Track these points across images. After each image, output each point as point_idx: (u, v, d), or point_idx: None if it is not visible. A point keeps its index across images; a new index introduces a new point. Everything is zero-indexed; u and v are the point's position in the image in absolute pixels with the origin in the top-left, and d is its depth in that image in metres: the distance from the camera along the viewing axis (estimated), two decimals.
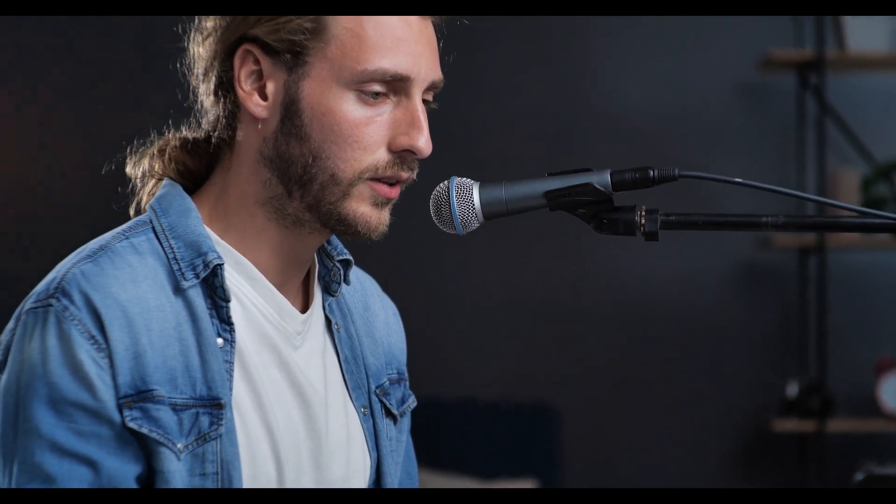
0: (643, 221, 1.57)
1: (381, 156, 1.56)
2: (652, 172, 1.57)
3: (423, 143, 1.57)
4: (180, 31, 1.62)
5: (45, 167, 4.70)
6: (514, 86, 4.77)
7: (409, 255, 4.67)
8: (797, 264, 4.71)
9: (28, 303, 1.51)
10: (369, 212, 1.58)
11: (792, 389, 4.52)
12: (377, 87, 1.55)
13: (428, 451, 4.45)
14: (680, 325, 4.73)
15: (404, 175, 1.58)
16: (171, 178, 1.62)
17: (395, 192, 1.59)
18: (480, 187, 1.58)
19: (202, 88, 1.61)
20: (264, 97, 1.56)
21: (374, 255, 4.55)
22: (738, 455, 4.72)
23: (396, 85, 1.56)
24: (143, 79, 4.50)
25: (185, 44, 1.63)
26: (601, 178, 1.57)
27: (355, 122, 1.54)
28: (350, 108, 1.54)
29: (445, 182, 1.59)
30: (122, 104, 4.63)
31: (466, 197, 1.58)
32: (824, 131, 4.58)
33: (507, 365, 4.76)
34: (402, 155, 1.57)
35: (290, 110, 1.55)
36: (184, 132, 1.65)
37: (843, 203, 1.63)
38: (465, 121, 4.72)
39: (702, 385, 4.72)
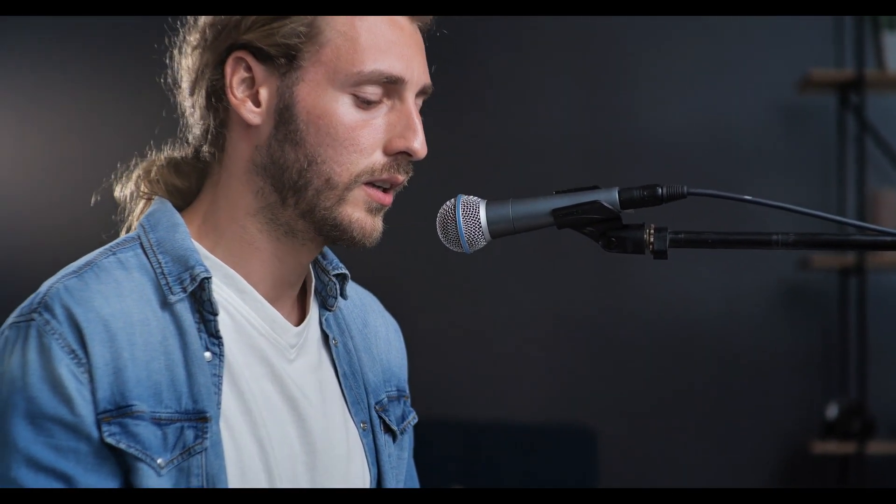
0: (652, 239, 1.56)
1: (376, 158, 1.57)
2: (660, 190, 1.55)
3: (419, 144, 1.57)
4: (167, 42, 1.63)
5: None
6: (552, 108, 4.76)
7: (450, 277, 4.68)
8: (837, 285, 4.67)
9: (11, 318, 1.51)
10: (364, 217, 1.58)
11: (832, 411, 4.47)
12: (372, 90, 1.56)
13: (466, 472, 4.46)
14: (718, 346, 4.70)
15: (399, 178, 1.59)
16: (160, 196, 1.63)
17: (388, 199, 1.60)
18: (487, 205, 1.57)
19: (189, 101, 1.61)
20: (257, 103, 1.57)
21: (415, 275, 4.59)
22: (778, 477, 4.67)
23: (390, 88, 1.57)
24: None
25: (167, 60, 1.63)
26: (609, 196, 1.56)
27: (351, 125, 1.55)
28: (345, 111, 1.55)
29: (452, 200, 1.58)
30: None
31: (473, 215, 1.57)
32: (864, 151, 4.55)
33: (544, 386, 4.74)
34: (397, 158, 1.58)
35: (284, 115, 1.56)
36: (167, 152, 1.66)
37: (861, 222, 1.61)
38: (500, 143, 4.72)
39: (741, 407, 4.68)
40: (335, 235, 1.59)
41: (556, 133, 4.75)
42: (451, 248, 1.59)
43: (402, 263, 4.58)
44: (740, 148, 4.71)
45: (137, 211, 1.65)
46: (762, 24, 4.65)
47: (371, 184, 1.57)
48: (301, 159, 1.55)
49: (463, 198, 1.58)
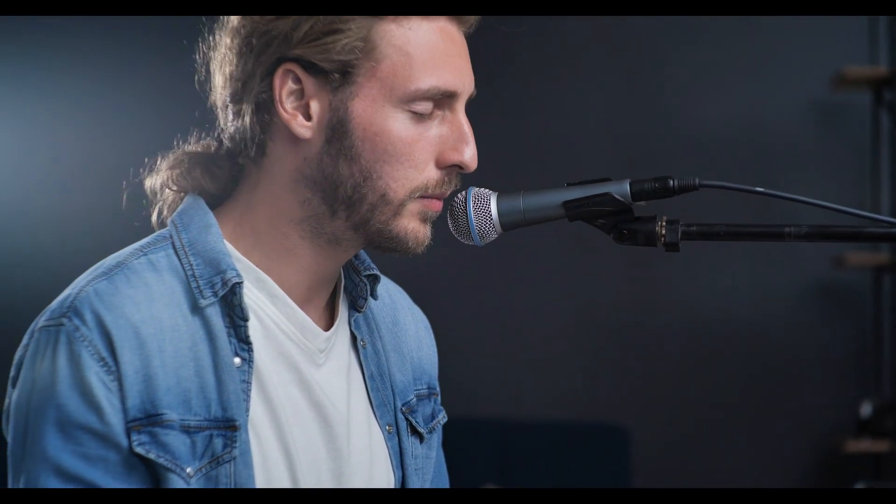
0: (664, 232, 1.55)
1: (430, 174, 1.55)
2: (672, 182, 1.55)
3: (469, 157, 1.56)
4: (202, 43, 1.61)
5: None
6: (586, 105, 4.76)
7: (477, 274, 4.68)
8: (871, 284, 4.64)
9: (41, 320, 1.50)
10: (418, 227, 1.56)
11: (866, 410, 4.45)
12: (425, 105, 1.53)
13: (499, 471, 4.46)
14: (752, 344, 4.68)
15: (448, 192, 1.58)
16: (191, 192, 1.61)
17: (440, 205, 1.58)
18: (498, 197, 1.57)
19: (231, 108, 1.58)
20: (308, 117, 1.54)
21: (449, 274, 4.59)
22: (812, 476, 4.65)
23: (442, 101, 1.55)
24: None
25: (198, 57, 1.61)
26: (620, 188, 1.56)
27: (407, 141, 1.53)
28: (402, 127, 1.53)
29: (463, 192, 1.58)
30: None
31: (484, 207, 1.56)
32: None
33: (578, 384, 4.74)
34: (448, 171, 1.56)
35: (337, 131, 1.53)
36: (199, 149, 1.63)
37: (873, 214, 1.60)
38: (536, 137, 4.72)
39: (774, 405, 4.67)
40: (390, 247, 1.57)
41: (590, 131, 4.75)
42: (462, 240, 1.59)
43: (434, 262, 4.59)
44: (774, 145, 4.70)
45: (169, 200, 1.63)
46: (796, 21, 4.63)
47: (425, 196, 1.56)
48: (356, 175, 1.53)
49: (474, 190, 1.57)
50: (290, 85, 1.54)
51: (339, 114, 1.53)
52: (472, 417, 4.52)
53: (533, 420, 4.61)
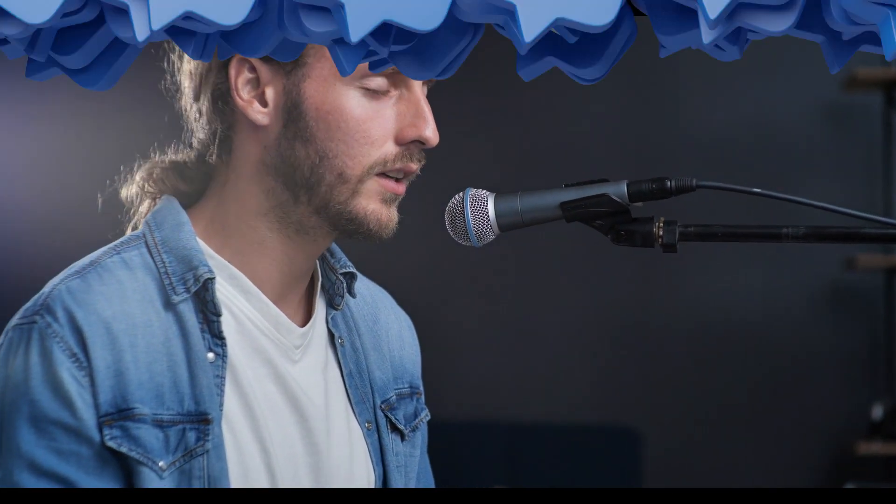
0: (661, 233, 1.55)
1: (388, 149, 1.57)
2: (669, 183, 1.55)
3: (430, 132, 1.58)
4: (167, 46, 1.62)
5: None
6: (595, 106, 4.76)
7: (486, 277, 4.68)
8: (883, 285, 4.63)
9: (15, 319, 1.52)
10: (379, 209, 1.58)
11: (877, 412, 4.45)
12: (379, 81, 1.55)
13: (507, 474, 4.46)
14: (763, 346, 4.68)
15: (413, 166, 1.59)
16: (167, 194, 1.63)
17: (402, 188, 1.60)
18: (496, 198, 1.57)
19: (195, 106, 1.61)
20: (264, 103, 1.57)
21: (459, 275, 4.60)
22: (823, 478, 4.65)
23: (397, 77, 1.56)
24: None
25: (165, 64, 1.63)
26: (618, 189, 1.56)
27: (361, 118, 1.55)
28: (354, 104, 1.55)
29: (460, 193, 1.58)
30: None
31: (481, 208, 1.57)
32: None
33: (589, 387, 4.74)
34: (409, 147, 1.58)
35: (292, 114, 1.56)
36: (170, 155, 1.65)
37: (871, 215, 1.60)
38: (539, 138, 4.72)
39: (785, 407, 4.66)
40: (351, 229, 1.59)
41: (599, 132, 4.74)
42: (459, 241, 1.59)
43: (442, 265, 4.59)
44: (785, 147, 4.69)
45: (144, 209, 1.65)
46: None
47: (384, 174, 1.58)
48: (312, 155, 1.55)
49: (471, 191, 1.58)
50: (246, 74, 1.57)
51: (293, 96, 1.56)
52: (482, 420, 4.52)
53: (542, 423, 4.61)
